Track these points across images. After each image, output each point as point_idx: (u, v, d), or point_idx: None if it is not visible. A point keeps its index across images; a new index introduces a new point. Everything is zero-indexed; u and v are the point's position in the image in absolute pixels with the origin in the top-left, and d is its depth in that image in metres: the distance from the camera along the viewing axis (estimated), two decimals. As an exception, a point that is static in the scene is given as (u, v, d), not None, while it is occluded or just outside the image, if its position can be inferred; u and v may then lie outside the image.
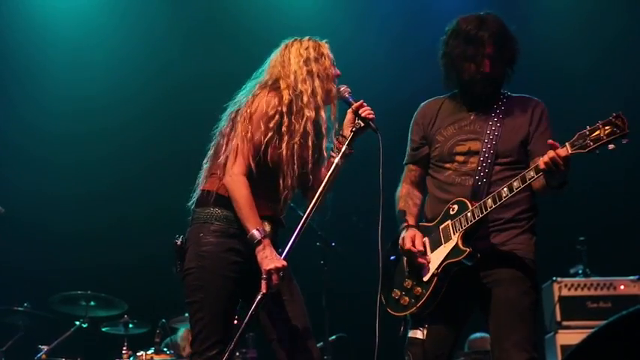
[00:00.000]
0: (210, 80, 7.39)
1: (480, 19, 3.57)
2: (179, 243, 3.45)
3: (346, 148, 3.39)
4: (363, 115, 3.40)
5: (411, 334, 3.51)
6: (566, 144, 3.16)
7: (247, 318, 3.20)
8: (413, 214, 3.65)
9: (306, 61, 3.51)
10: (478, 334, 6.42)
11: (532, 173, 3.23)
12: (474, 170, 3.48)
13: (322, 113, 3.49)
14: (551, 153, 3.15)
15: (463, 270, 3.39)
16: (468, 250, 3.33)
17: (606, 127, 3.10)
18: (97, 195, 7.77)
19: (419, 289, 3.46)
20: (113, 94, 7.81)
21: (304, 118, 3.45)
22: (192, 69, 7.78)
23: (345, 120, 3.51)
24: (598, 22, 7.89)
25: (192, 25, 7.99)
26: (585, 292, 6.33)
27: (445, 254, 3.40)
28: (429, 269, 3.45)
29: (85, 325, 6.34)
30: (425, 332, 3.46)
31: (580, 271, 6.56)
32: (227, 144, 3.45)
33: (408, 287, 3.51)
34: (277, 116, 3.42)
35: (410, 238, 3.51)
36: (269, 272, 3.20)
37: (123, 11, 7.93)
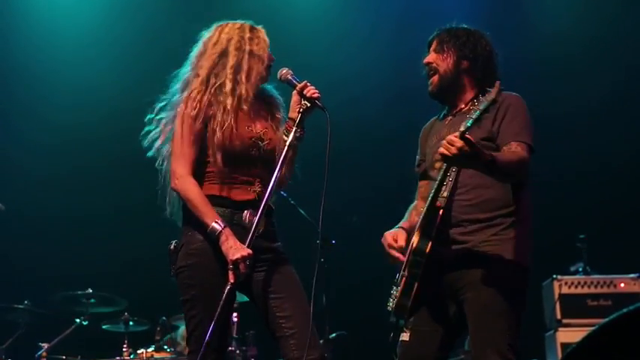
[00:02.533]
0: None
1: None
2: (172, 247, 3.46)
3: (297, 130, 3.39)
4: (308, 95, 3.40)
5: (401, 337, 3.50)
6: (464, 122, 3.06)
7: (219, 309, 3.21)
8: (409, 220, 3.59)
9: (239, 41, 3.50)
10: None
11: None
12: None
13: (251, 91, 3.45)
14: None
15: (442, 273, 3.33)
16: (415, 244, 3.23)
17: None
18: (97, 192, 7.76)
19: (394, 290, 3.45)
20: (117, 84, 7.79)
21: (235, 97, 3.42)
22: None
23: (292, 102, 3.50)
24: (592, 10, 7.92)
25: (193, 24, 7.98)
26: (585, 290, 6.33)
27: (408, 254, 3.35)
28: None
29: (85, 323, 6.35)
30: (409, 334, 3.44)
31: (580, 269, 6.57)
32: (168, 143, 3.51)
33: (392, 292, 3.52)
34: (202, 104, 3.41)
35: (391, 233, 3.47)
36: (235, 262, 3.21)
37: (123, 7, 7.96)
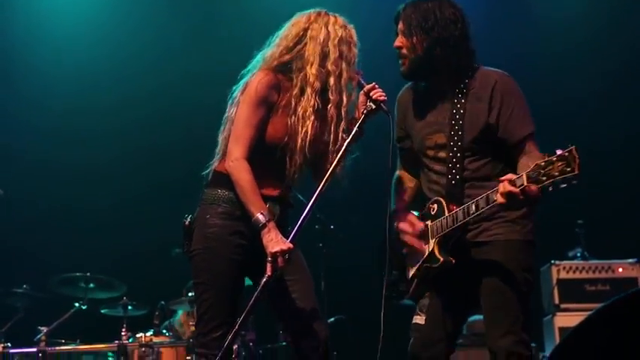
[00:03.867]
0: (211, 70, 7.41)
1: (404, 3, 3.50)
2: (187, 223, 3.47)
3: (357, 130, 3.36)
4: (374, 97, 3.35)
5: (414, 319, 3.50)
6: (523, 174, 2.98)
7: (252, 300, 3.20)
8: (402, 198, 3.59)
9: (340, 42, 3.45)
10: (477, 317, 6.44)
11: (496, 196, 3.07)
12: (444, 166, 3.37)
13: (344, 97, 3.44)
14: (505, 186, 3.00)
15: (456, 262, 3.32)
16: (442, 259, 3.27)
17: (559, 164, 2.89)
18: (96, 176, 7.76)
19: (403, 284, 3.45)
20: (119, 72, 7.80)
21: (327, 100, 3.42)
22: (194, 59, 7.77)
23: (358, 102, 3.47)
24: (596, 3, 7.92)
25: (193, 16, 7.97)
26: (584, 275, 6.35)
27: (423, 257, 3.35)
28: (411, 268, 3.43)
29: (84, 307, 6.36)
30: (424, 318, 3.45)
31: (578, 254, 6.58)
32: (230, 126, 3.45)
33: (395, 280, 3.51)
34: (276, 95, 3.40)
35: (405, 220, 3.46)
36: (274, 255, 3.20)
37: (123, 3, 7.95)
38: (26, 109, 7.69)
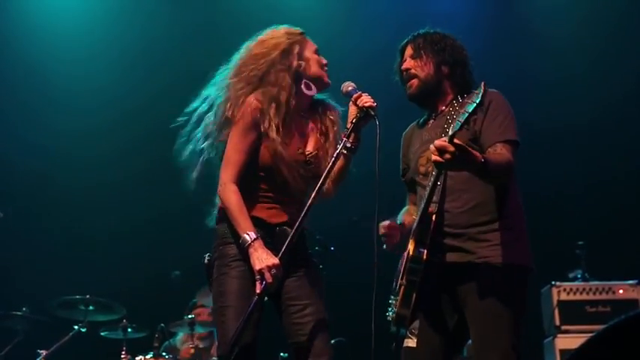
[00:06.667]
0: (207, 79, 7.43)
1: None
2: (207, 261, 3.52)
3: (347, 140, 3.36)
4: (360, 104, 3.38)
5: (405, 343, 3.48)
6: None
7: (245, 317, 3.23)
8: (400, 219, 3.63)
9: (284, 52, 3.48)
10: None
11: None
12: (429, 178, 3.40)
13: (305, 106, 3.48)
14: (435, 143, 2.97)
15: (441, 281, 3.33)
16: (412, 253, 3.24)
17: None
18: (96, 199, 7.76)
19: (392, 300, 3.45)
20: (113, 91, 7.84)
21: (294, 115, 3.45)
22: (191, 66, 7.78)
23: (348, 113, 3.49)
24: (596, 19, 7.94)
25: (192, 20, 8.00)
26: (584, 297, 6.33)
27: (404, 261, 3.35)
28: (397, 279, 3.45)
29: (83, 330, 6.34)
30: (416, 341, 3.42)
31: (579, 276, 6.56)
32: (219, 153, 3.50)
33: (390, 301, 3.51)
34: (260, 118, 3.41)
35: (383, 223, 3.51)
36: (260, 272, 3.22)
37: (123, 7, 7.98)
38: (29, 131, 7.71)
